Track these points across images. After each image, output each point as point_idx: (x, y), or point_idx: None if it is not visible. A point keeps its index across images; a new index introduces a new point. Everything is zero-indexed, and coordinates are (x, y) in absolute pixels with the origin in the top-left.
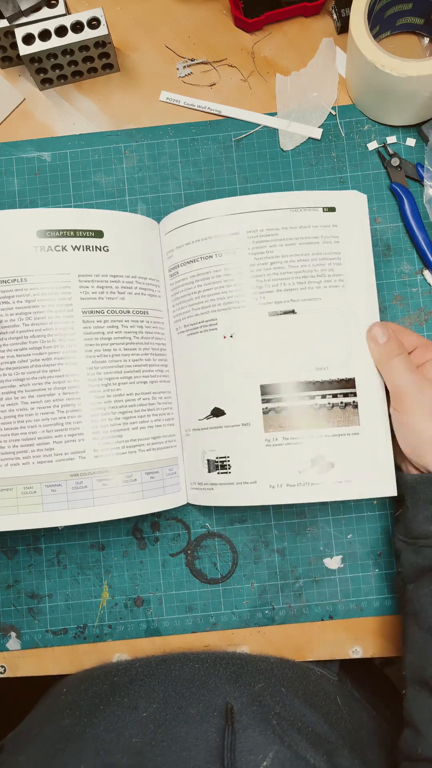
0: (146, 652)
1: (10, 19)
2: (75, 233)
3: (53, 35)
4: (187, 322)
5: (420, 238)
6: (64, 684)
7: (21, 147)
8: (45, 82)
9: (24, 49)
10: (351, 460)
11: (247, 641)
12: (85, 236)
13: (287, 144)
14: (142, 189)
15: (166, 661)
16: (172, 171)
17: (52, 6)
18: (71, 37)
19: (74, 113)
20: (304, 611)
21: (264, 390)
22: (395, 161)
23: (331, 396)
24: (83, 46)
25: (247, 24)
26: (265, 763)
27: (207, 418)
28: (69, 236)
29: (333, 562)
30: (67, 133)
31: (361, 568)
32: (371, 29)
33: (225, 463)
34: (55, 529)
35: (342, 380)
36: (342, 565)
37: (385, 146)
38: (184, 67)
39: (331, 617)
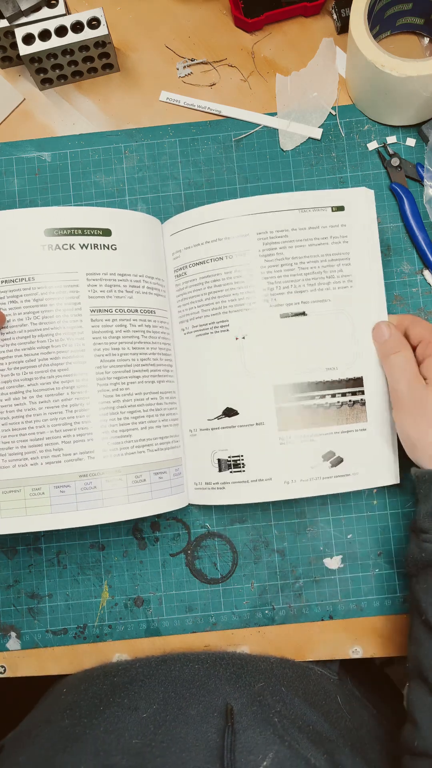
0: (146, 652)
1: (10, 19)
2: (83, 231)
3: (53, 35)
4: (195, 323)
5: (420, 238)
6: (64, 684)
7: (21, 147)
8: (45, 82)
9: (24, 49)
10: (359, 454)
11: (247, 641)
12: (93, 234)
13: (287, 144)
14: (142, 189)
15: (166, 662)
16: (172, 171)
17: (52, 6)
18: (71, 37)
19: (74, 113)
20: (304, 611)
21: (277, 390)
22: (395, 161)
23: (340, 395)
24: (83, 46)
25: (247, 24)
26: (265, 763)
27: (218, 418)
28: (77, 234)
29: (333, 562)
30: (67, 133)
31: (361, 568)
32: (371, 29)
33: (239, 461)
34: (56, 529)
35: (350, 379)
36: (342, 565)
37: (385, 146)
38: (184, 67)
39: (331, 617)
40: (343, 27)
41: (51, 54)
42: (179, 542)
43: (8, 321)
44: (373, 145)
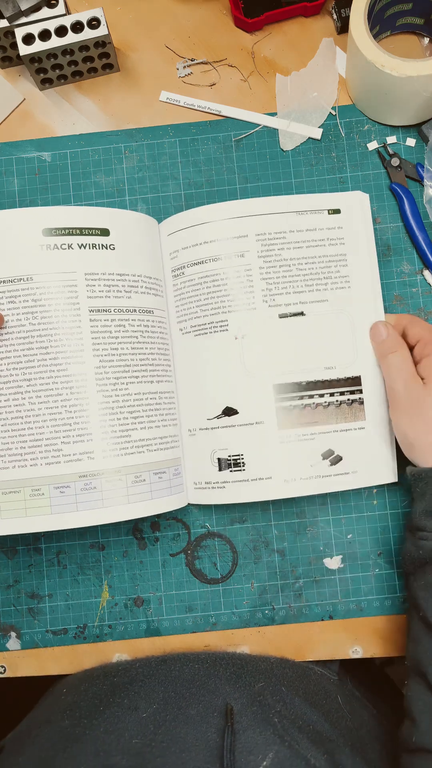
0: (146, 652)
1: (10, 19)
2: (81, 231)
3: (53, 35)
4: (194, 323)
5: (420, 238)
6: (64, 684)
7: (21, 147)
8: (45, 82)
9: (24, 49)
10: (357, 453)
11: (247, 641)
12: (92, 234)
13: (287, 144)
14: (142, 189)
15: (166, 662)
16: (172, 171)
17: (52, 6)
18: (71, 37)
19: (74, 113)
20: (304, 611)
21: (276, 389)
22: (395, 161)
23: (338, 394)
24: (83, 46)
25: (247, 24)
26: (264, 763)
27: (218, 417)
28: (75, 234)
29: (333, 562)
30: (67, 133)
31: (361, 568)
32: (371, 29)
33: (239, 460)
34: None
35: (349, 378)
36: (342, 565)
37: (385, 146)
38: (184, 67)
39: (331, 617)
40: (343, 27)
41: (51, 54)
42: (179, 542)
43: (7, 321)
44: (373, 145)
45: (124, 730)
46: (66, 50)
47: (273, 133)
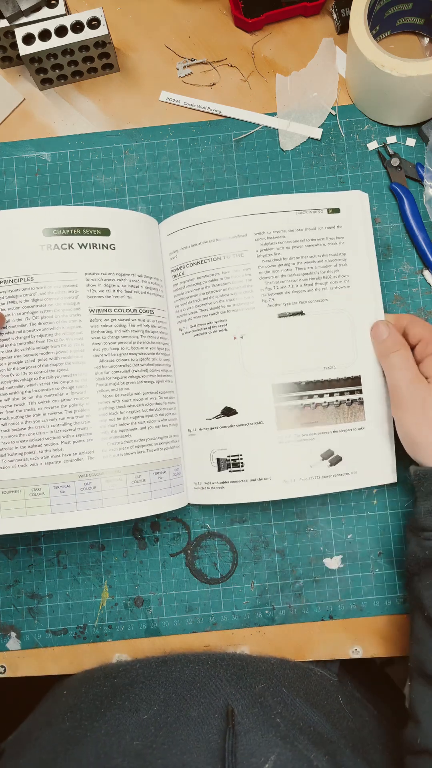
0: (146, 652)
1: (10, 19)
2: (81, 231)
3: (53, 35)
4: (194, 323)
5: (420, 238)
6: (64, 686)
7: (21, 147)
8: (45, 82)
9: (24, 49)
10: (357, 453)
11: (247, 641)
12: (92, 234)
13: (287, 144)
14: (142, 189)
15: (167, 663)
16: (172, 171)
17: (52, 6)
18: (71, 37)
19: (74, 113)
20: (304, 611)
21: (276, 389)
22: (395, 161)
23: (338, 394)
24: (83, 46)
25: (247, 24)
26: (267, 765)
27: (217, 417)
28: (75, 234)
29: (333, 562)
30: (67, 133)
31: (361, 568)
32: (371, 29)
33: (238, 461)
34: (57, 529)
35: (349, 378)
36: (342, 565)
37: (385, 146)
38: (184, 67)
39: (331, 617)
40: (343, 27)
41: (51, 54)
42: (179, 542)
43: (7, 321)
44: (373, 145)
45: (125, 732)
46: (66, 50)
47: (273, 133)
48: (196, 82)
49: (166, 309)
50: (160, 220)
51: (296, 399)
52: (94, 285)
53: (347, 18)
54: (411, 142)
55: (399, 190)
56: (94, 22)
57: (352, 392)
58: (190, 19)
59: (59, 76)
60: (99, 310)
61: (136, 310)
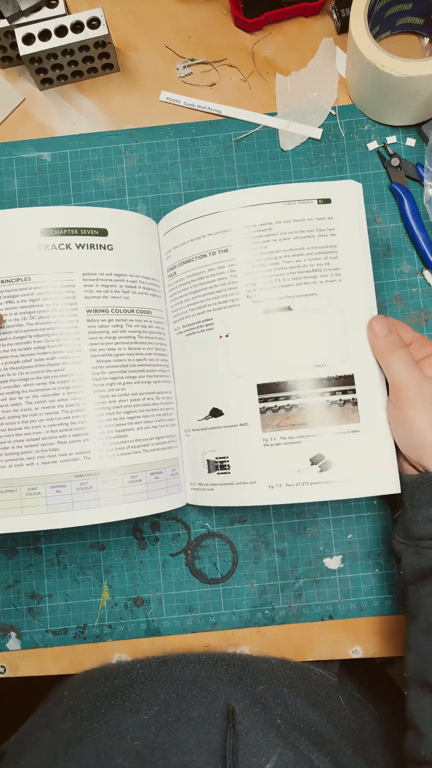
0: (146, 652)
1: (10, 19)
2: (79, 231)
3: (53, 35)
4: (185, 323)
5: (420, 238)
6: (65, 687)
7: (21, 147)
8: (45, 82)
9: (24, 49)
10: (351, 459)
11: (247, 641)
12: (90, 234)
13: (287, 144)
14: (142, 189)
15: (167, 663)
16: (172, 171)
17: (52, 6)
18: (71, 37)
19: (74, 113)
20: (304, 611)
21: (261, 389)
22: (395, 161)
23: (329, 393)
24: (83, 46)
25: (247, 24)
26: (268, 765)
27: (206, 418)
28: (73, 234)
29: (333, 562)
30: (67, 133)
31: (361, 568)
32: (371, 29)
33: (224, 463)
34: (55, 529)
35: (341, 377)
36: (342, 565)
37: (385, 146)
38: (184, 67)
39: (331, 617)
40: (343, 27)
41: (51, 54)
42: (179, 542)
43: (4, 321)
44: (373, 145)
45: (126, 733)
46: (66, 50)
47: (273, 133)
48: (196, 82)
49: (164, 309)
50: (159, 221)
51: (282, 399)
52: (92, 285)
53: (347, 18)
54: (411, 142)
55: (399, 190)
56: (94, 22)
57: (344, 392)
58: (190, 19)
59: (59, 76)
60: (96, 311)
61: (133, 311)
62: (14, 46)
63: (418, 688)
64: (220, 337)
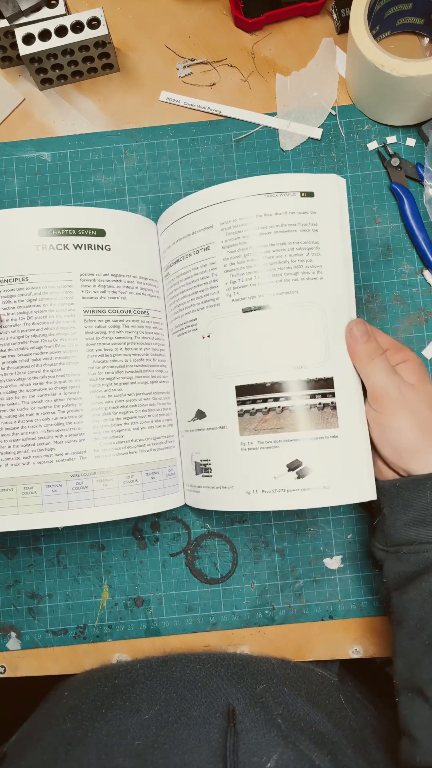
0: (146, 652)
1: (10, 19)
2: (77, 232)
3: (53, 35)
4: (177, 323)
5: (420, 238)
6: (65, 687)
7: (21, 147)
8: (45, 82)
9: (24, 49)
10: (330, 465)
11: (247, 641)
12: (87, 235)
13: (287, 144)
14: (142, 189)
15: (167, 663)
16: (172, 171)
17: (52, 6)
18: (71, 37)
19: (74, 113)
20: (304, 611)
21: (239, 391)
22: (395, 161)
23: (308, 397)
24: (83, 46)
25: (247, 24)
26: (269, 764)
27: (193, 420)
28: (71, 235)
29: (333, 562)
30: (67, 133)
31: (361, 568)
32: (371, 29)
33: (207, 466)
34: (55, 529)
35: (320, 380)
36: (342, 565)
37: (385, 146)
38: (184, 67)
39: (331, 617)
40: (343, 27)
41: (51, 54)
42: (179, 542)
43: (2, 321)
44: (373, 145)
45: (126, 732)
46: (66, 50)
47: (273, 133)
48: (196, 82)
49: (163, 310)
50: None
51: (260, 402)
52: (89, 286)
53: (347, 18)
54: (411, 142)
55: (399, 190)
56: (94, 22)
57: (323, 395)
58: (190, 19)
59: (59, 76)
60: (93, 311)
61: (130, 311)
62: (14, 46)
63: (408, 694)
64: (203, 337)
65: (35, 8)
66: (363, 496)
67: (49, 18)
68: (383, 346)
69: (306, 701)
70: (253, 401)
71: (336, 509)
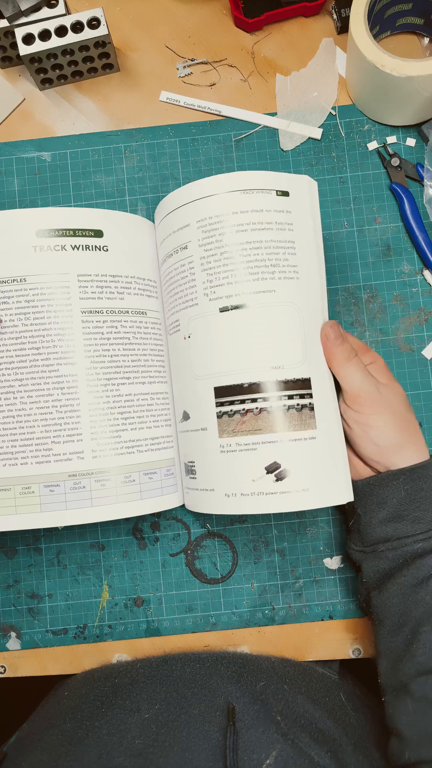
0: (146, 653)
1: (10, 19)
2: (74, 233)
3: (53, 35)
4: (167, 324)
5: (420, 238)
6: (66, 687)
7: (21, 147)
8: (45, 82)
9: (24, 49)
10: (308, 467)
11: (247, 641)
12: (85, 236)
13: (287, 144)
14: (142, 189)
15: (167, 662)
16: (172, 171)
17: (52, 6)
18: (71, 37)
19: (74, 113)
20: (304, 611)
21: (218, 392)
22: (395, 161)
23: (286, 398)
24: (83, 46)
25: (247, 24)
26: (268, 761)
27: (181, 421)
28: (68, 236)
29: (333, 562)
30: (67, 133)
31: None
32: (371, 29)
33: (193, 468)
34: (55, 529)
35: (297, 380)
36: (342, 565)
37: (385, 146)
38: (184, 67)
39: (331, 617)
40: (343, 27)
41: (51, 54)
42: (179, 542)
43: (0, 322)
44: (373, 145)
45: (127, 731)
46: (66, 50)
47: (273, 133)
48: (196, 82)
49: (161, 310)
50: None
51: (237, 403)
52: (86, 286)
53: (347, 18)
54: (411, 142)
55: (399, 190)
56: (94, 22)
57: (301, 396)
58: (190, 19)
59: (59, 76)
60: (91, 312)
61: (128, 312)
62: (14, 46)
63: (393, 692)
64: (185, 338)
65: (35, 8)
66: (342, 498)
67: (49, 18)
68: (354, 346)
69: (306, 699)
70: (231, 402)
71: (336, 508)
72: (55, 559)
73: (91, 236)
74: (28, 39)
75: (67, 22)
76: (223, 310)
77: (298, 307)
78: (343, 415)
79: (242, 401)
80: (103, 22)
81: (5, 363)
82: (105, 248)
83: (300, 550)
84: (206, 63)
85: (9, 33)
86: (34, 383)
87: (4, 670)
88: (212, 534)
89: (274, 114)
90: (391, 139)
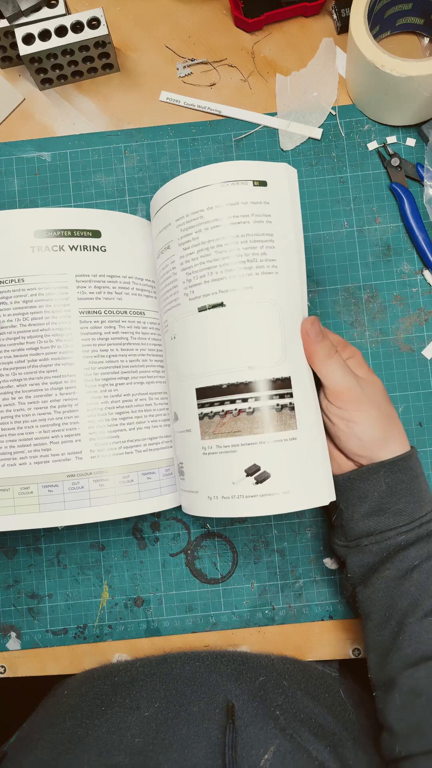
0: (146, 652)
1: (10, 19)
2: (72, 233)
3: (53, 35)
4: (161, 324)
5: (420, 238)
6: (65, 686)
7: (21, 147)
8: (45, 82)
9: (24, 49)
10: (289, 469)
11: (247, 641)
12: (83, 236)
13: (287, 144)
14: (142, 189)
15: (167, 660)
16: (172, 171)
17: (52, 6)
18: (71, 37)
19: (74, 113)
20: (304, 611)
21: (199, 393)
22: (395, 161)
23: (266, 398)
24: (83, 46)
25: (247, 24)
26: (266, 756)
27: (174, 422)
28: (66, 236)
29: (333, 562)
30: (67, 133)
31: None
32: (371, 29)
33: (182, 469)
34: (55, 529)
35: (277, 380)
36: None
37: (385, 146)
38: (184, 67)
39: (331, 617)
40: (343, 27)
41: (51, 54)
42: (179, 542)
43: None
44: (373, 145)
45: (127, 730)
46: (66, 50)
47: (273, 133)
48: (196, 82)
49: (159, 310)
50: None
51: (217, 404)
52: (85, 287)
53: (347, 18)
54: (411, 142)
55: (399, 190)
56: (94, 22)
57: (281, 396)
58: (190, 19)
59: (59, 76)
60: (89, 312)
61: (126, 312)
62: (14, 46)
63: (383, 687)
64: (171, 339)
65: (35, 8)
66: (324, 499)
67: (49, 18)
68: (333, 342)
69: (305, 694)
70: (212, 404)
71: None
72: (55, 559)
73: (89, 236)
74: (28, 39)
75: (67, 22)
76: (201, 309)
77: (276, 304)
78: (324, 411)
79: (221, 402)
80: (103, 22)
81: (3, 363)
82: (103, 248)
83: (300, 550)
84: (206, 63)
85: (9, 33)
86: (32, 383)
87: (4, 670)
88: (212, 534)
89: (274, 114)
90: (391, 139)
